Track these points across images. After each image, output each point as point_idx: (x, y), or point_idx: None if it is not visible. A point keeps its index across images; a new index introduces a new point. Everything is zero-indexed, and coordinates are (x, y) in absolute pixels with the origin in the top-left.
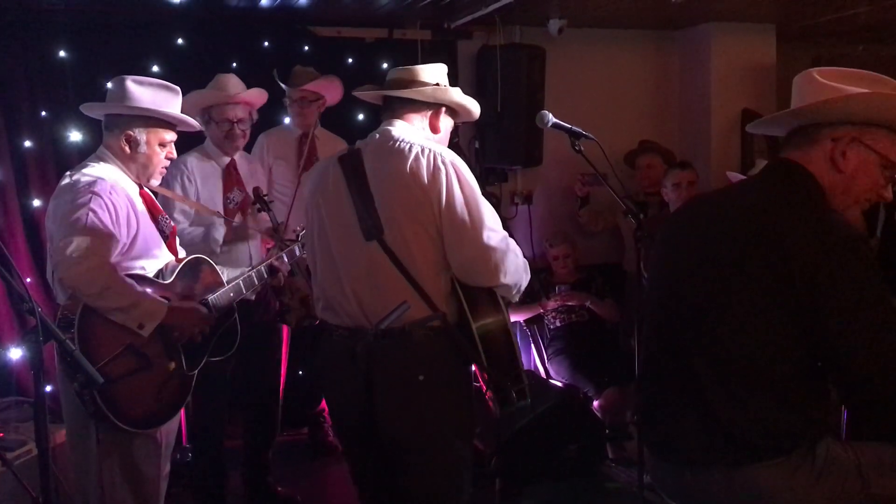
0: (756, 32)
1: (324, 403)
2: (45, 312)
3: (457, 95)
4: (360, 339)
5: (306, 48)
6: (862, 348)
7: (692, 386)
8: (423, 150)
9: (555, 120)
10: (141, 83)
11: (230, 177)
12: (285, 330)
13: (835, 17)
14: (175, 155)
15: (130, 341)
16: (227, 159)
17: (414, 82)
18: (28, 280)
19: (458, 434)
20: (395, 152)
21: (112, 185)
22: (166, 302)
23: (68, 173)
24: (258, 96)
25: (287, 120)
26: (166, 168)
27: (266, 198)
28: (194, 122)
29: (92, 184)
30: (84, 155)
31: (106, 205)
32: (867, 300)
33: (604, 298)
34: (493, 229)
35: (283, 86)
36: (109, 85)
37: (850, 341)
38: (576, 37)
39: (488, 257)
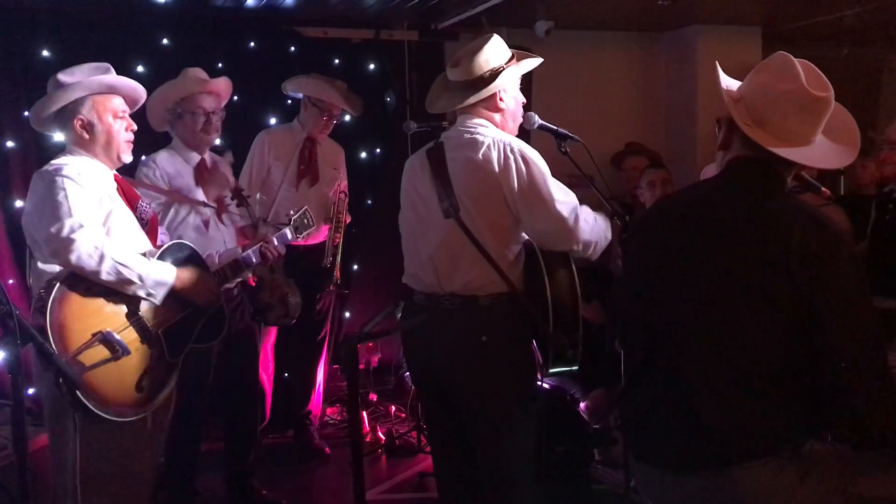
0: (742, 35)
1: (310, 405)
2: (28, 315)
3: (513, 74)
4: (433, 303)
5: (292, 49)
6: (849, 339)
7: (677, 389)
8: (493, 142)
9: (541, 121)
10: (70, 71)
11: (201, 175)
12: (273, 332)
13: (820, 20)
14: (135, 126)
15: (102, 330)
16: (197, 157)
17: (469, 83)
18: (10, 281)
19: (517, 398)
20: (469, 144)
21: (79, 169)
22: (173, 267)
23: (36, 173)
24: (227, 86)
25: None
26: (131, 143)
27: (244, 192)
28: (132, 83)
29: (58, 169)
30: None
31: (76, 182)
32: (861, 294)
33: (590, 301)
34: (562, 202)
35: (317, 95)
36: (49, 88)
37: (842, 330)
38: (562, 38)
39: (561, 226)
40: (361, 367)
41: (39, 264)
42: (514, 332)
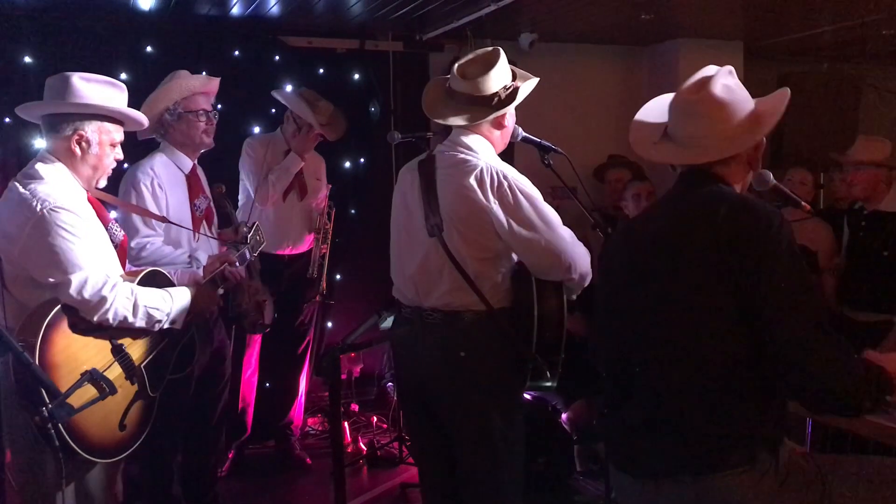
0: (723, 49)
1: (291, 415)
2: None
3: (524, 93)
4: (416, 315)
5: (277, 58)
6: (789, 319)
7: (656, 398)
8: (487, 169)
9: (525, 134)
10: (88, 80)
11: (195, 183)
12: (256, 341)
13: (801, 36)
14: (122, 156)
15: (89, 369)
16: (190, 164)
17: (477, 98)
18: None
19: (497, 410)
20: (461, 165)
21: (61, 190)
22: (188, 291)
23: (17, 184)
24: (216, 88)
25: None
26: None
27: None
28: (144, 119)
29: (46, 201)
30: None
31: (75, 214)
32: (796, 273)
33: (572, 312)
34: (559, 234)
35: (302, 113)
36: (49, 81)
37: (780, 311)
38: (546, 51)
39: (559, 260)
40: (343, 377)
41: (17, 297)
42: (493, 348)
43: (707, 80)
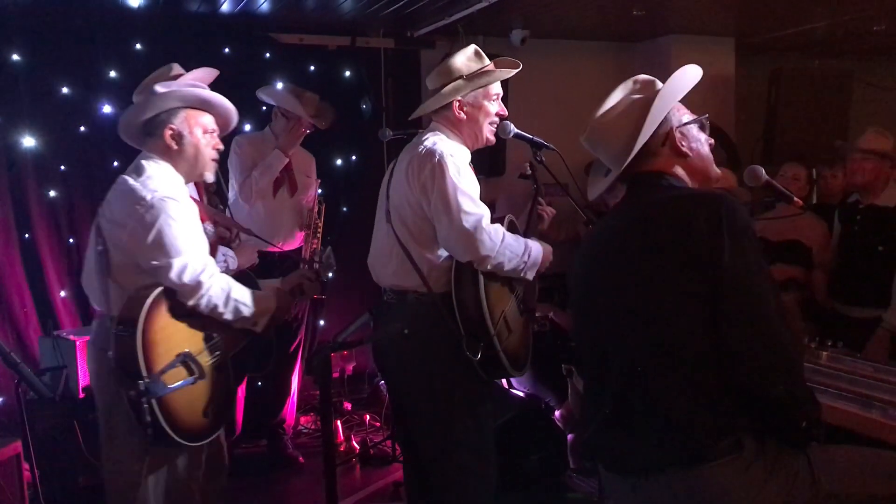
0: (715, 45)
1: (283, 414)
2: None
3: (462, 87)
4: (381, 299)
5: (268, 55)
6: (754, 332)
7: (642, 394)
8: (425, 152)
9: (516, 130)
10: (167, 84)
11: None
12: None
13: (792, 32)
14: (221, 146)
15: (184, 351)
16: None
17: (433, 91)
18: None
19: (443, 384)
20: (411, 152)
21: (170, 184)
22: (273, 298)
23: (126, 177)
24: None
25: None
26: (216, 161)
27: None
28: (230, 107)
29: (155, 193)
30: (38, 161)
31: (179, 203)
32: (765, 285)
33: (565, 309)
34: (467, 213)
35: (286, 106)
36: (136, 97)
37: (744, 322)
38: (538, 47)
39: (461, 238)
40: (336, 375)
41: (121, 283)
42: (434, 329)
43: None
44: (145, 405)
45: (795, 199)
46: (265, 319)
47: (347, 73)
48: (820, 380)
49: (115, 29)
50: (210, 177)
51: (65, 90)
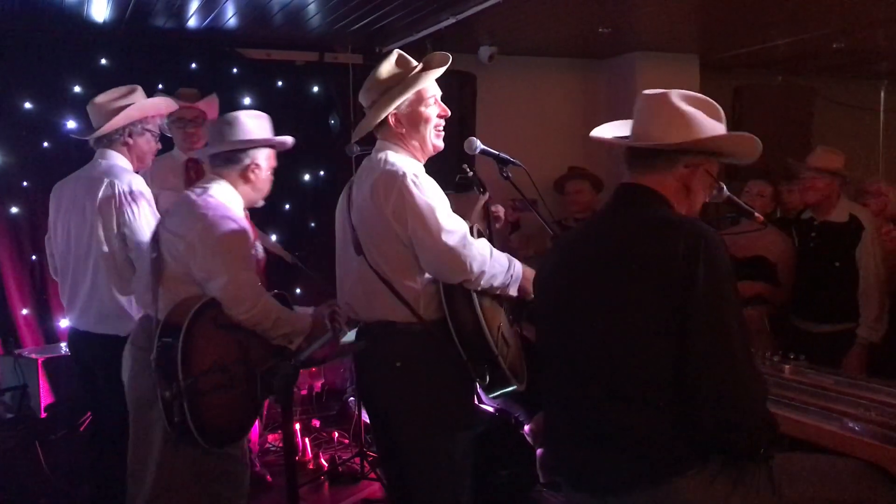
0: (680, 62)
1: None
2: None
3: (399, 95)
4: (364, 329)
5: (235, 70)
6: (719, 371)
7: (600, 415)
8: (383, 175)
9: (482, 146)
10: (249, 116)
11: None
12: None
13: (755, 49)
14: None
15: (217, 359)
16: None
17: (371, 106)
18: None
19: (438, 427)
20: (366, 176)
21: (233, 207)
22: (310, 319)
23: (190, 193)
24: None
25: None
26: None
27: None
28: (290, 142)
29: (218, 207)
30: (6, 177)
31: (234, 223)
32: (733, 325)
33: (535, 323)
34: (449, 231)
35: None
36: (217, 124)
37: (708, 360)
38: (506, 64)
39: (448, 257)
40: (304, 392)
41: (171, 291)
42: (427, 360)
43: (670, 92)
44: (178, 405)
45: (757, 214)
46: (300, 338)
47: (315, 89)
48: (782, 392)
49: (80, 43)
50: (260, 203)
51: (28, 105)
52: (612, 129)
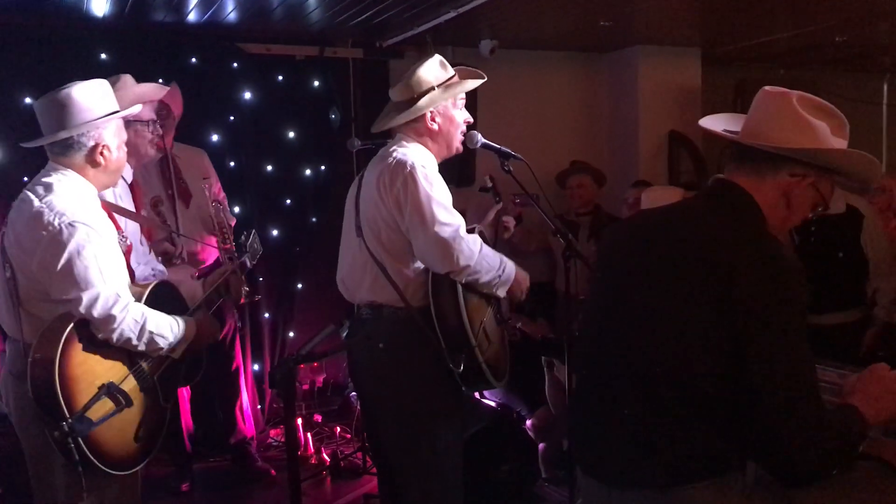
0: (682, 56)
1: (242, 431)
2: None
3: (439, 97)
4: (354, 312)
5: (235, 65)
6: (774, 387)
7: (626, 409)
8: (395, 163)
9: (484, 140)
10: (83, 90)
11: (137, 193)
12: None
13: (757, 42)
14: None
15: (106, 382)
16: (131, 173)
17: (403, 103)
18: None
19: (418, 397)
20: (380, 163)
21: (78, 201)
22: (194, 324)
23: (31, 195)
24: (170, 93)
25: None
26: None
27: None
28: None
29: (63, 215)
30: (6, 171)
31: (94, 229)
32: (791, 342)
33: (536, 319)
34: (443, 224)
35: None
36: (42, 107)
37: (767, 377)
38: (507, 58)
39: (438, 248)
40: (306, 387)
41: (33, 312)
42: (411, 345)
43: (793, 94)
44: (71, 444)
45: None
46: (182, 347)
47: (316, 83)
48: None
49: (79, 38)
50: (120, 187)
51: (28, 100)
52: (726, 122)
